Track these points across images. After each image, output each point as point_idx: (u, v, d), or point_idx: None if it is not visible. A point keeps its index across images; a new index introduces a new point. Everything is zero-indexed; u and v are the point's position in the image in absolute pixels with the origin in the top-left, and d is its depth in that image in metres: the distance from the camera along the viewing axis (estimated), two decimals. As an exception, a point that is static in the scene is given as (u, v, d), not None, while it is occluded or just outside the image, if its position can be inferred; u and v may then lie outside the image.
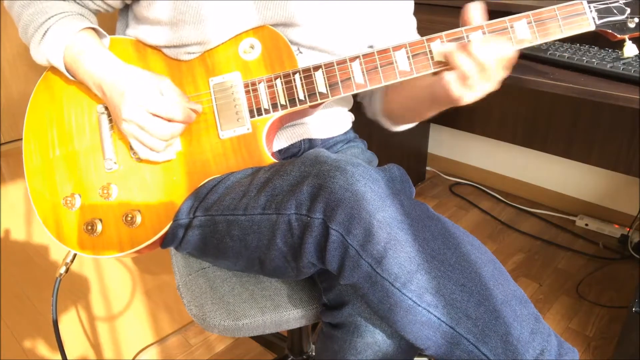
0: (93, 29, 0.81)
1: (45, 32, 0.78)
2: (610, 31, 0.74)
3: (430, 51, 0.73)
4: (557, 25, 0.72)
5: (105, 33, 0.82)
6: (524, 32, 0.72)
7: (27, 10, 0.79)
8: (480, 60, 0.66)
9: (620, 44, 0.77)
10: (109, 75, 0.76)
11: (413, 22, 0.93)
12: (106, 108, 0.81)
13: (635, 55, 1.07)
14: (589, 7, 0.72)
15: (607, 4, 0.73)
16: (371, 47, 0.86)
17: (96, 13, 0.86)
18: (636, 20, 0.74)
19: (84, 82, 0.79)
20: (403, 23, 0.91)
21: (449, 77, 0.68)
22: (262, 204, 0.69)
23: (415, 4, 0.93)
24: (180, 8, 0.76)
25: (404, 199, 0.65)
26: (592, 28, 0.73)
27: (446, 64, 0.72)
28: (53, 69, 0.82)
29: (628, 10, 0.73)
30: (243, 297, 0.79)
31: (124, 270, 1.71)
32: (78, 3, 0.82)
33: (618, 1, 0.73)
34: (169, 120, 0.75)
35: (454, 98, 0.70)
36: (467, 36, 0.72)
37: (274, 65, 0.79)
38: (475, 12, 0.71)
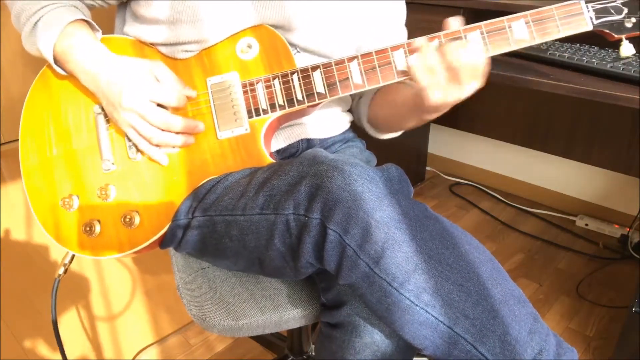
0: (86, 22, 0.81)
1: (37, 21, 0.78)
2: (607, 31, 0.74)
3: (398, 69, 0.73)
4: (555, 25, 0.72)
5: (97, 27, 0.82)
6: (522, 32, 0.72)
7: None
8: (447, 58, 0.65)
9: (618, 44, 0.77)
10: (104, 69, 0.76)
11: (404, 32, 0.94)
12: (102, 108, 0.81)
13: (635, 55, 1.07)
14: (587, 7, 0.72)
15: (604, 4, 0.73)
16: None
17: (91, 8, 0.86)
18: (633, 20, 0.74)
19: (74, 73, 0.79)
20: (395, 31, 0.92)
21: (415, 64, 0.67)
22: (260, 204, 0.69)
23: (415, 4, 0.93)
24: (177, 7, 0.76)
25: (402, 199, 0.65)
26: (590, 28, 0.73)
27: None
28: (50, 66, 0.82)
29: (625, 10, 0.74)
30: (243, 297, 0.79)
31: (124, 270, 1.71)
32: None
33: (615, 1, 0.73)
34: (166, 107, 0.76)
35: (421, 95, 0.68)
36: (465, 36, 0.72)
37: (272, 65, 0.79)
38: (454, 24, 0.71)
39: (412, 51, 0.72)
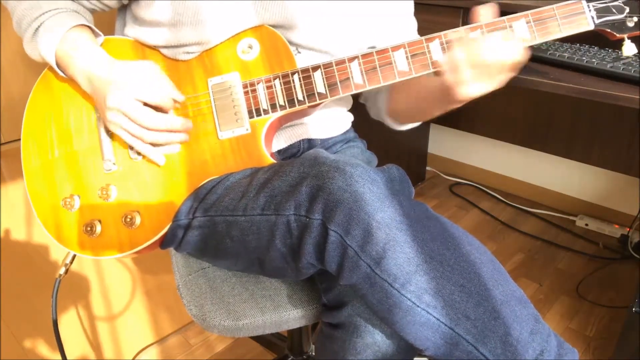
0: (87, 27, 0.81)
1: (39, 27, 0.78)
2: (609, 30, 0.74)
3: (429, 51, 0.73)
4: (556, 24, 0.72)
5: (99, 32, 0.82)
6: (523, 31, 0.72)
7: (22, 4, 0.79)
8: (473, 58, 0.65)
9: (619, 43, 0.77)
10: (99, 70, 0.77)
11: (414, 23, 0.93)
12: None
13: (635, 55, 1.07)
14: (588, 6, 0.72)
15: (606, 3, 0.73)
16: (373, 47, 0.86)
17: (92, 12, 0.86)
18: (635, 19, 0.74)
19: (75, 78, 0.79)
20: (403, 24, 0.91)
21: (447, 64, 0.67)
22: (261, 205, 0.69)
23: (415, 4, 0.93)
24: (178, 9, 0.76)
25: (403, 200, 0.65)
26: (591, 27, 0.73)
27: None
28: (51, 68, 0.82)
29: (627, 9, 0.73)
30: (243, 297, 0.80)
31: (124, 270, 1.71)
32: (73, 0, 0.82)
33: (617, 0, 0.73)
34: (155, 108, 0.76)
35: (450, 90, 0.69)
36: (468, 35, 0.71)
37: (273, 66, 0.79)
38: (485, 13, 0.71)
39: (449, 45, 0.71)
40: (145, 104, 0.76)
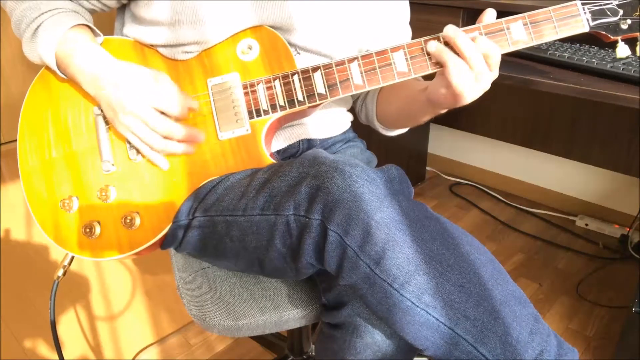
0: (87, 26, 0.80)
1: (37, 27, 0.77)
2: (603, 32, 0.75)
3: (428, 52, 0.73)
4: (552, 26, 0.73)
5: (99, 32, 0.82)
6: (519, 33, 0.73)
7: (21, 5, 0.78)
8: (483, 48, 0.68)
9: (616, 45, 0.77)
10: (105, 71, 0.76)
11: (409, 31, 0.94)
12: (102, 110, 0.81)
13: (632, 56, 1.07)
14: (583, 8, 0.73)
15: (600, 5, 0.74)
16: (367, 51, 0.87)
17: (92, 12, 0.86)
18: (628, 21, 0.75)
19: (75, 78, 0.79)
20: (399, 30, 0.92)
21: (453, 65, 0.69)
22: (260, 205, 0.69)
23: (415, 4, 0.93)
24: (176, 8, 0.76)
25: (403, 200, 0.65)
26: (586, 29, 0.74)
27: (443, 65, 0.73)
28: (49, 68, 0.82)
29: (621, 12, 0.74)
30: (243, 297, 0.80)
31: (124, 270, 1.71)
32: (72, 1, 0.82)
33: (611, 3, 0.74)
34: (168, 116, 0.76)
35: (454, 93, 0.70)
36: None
37: (273, 66, 0.79)
38: (489, 18, 0.72)
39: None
40: (162, 113, 0.76)
